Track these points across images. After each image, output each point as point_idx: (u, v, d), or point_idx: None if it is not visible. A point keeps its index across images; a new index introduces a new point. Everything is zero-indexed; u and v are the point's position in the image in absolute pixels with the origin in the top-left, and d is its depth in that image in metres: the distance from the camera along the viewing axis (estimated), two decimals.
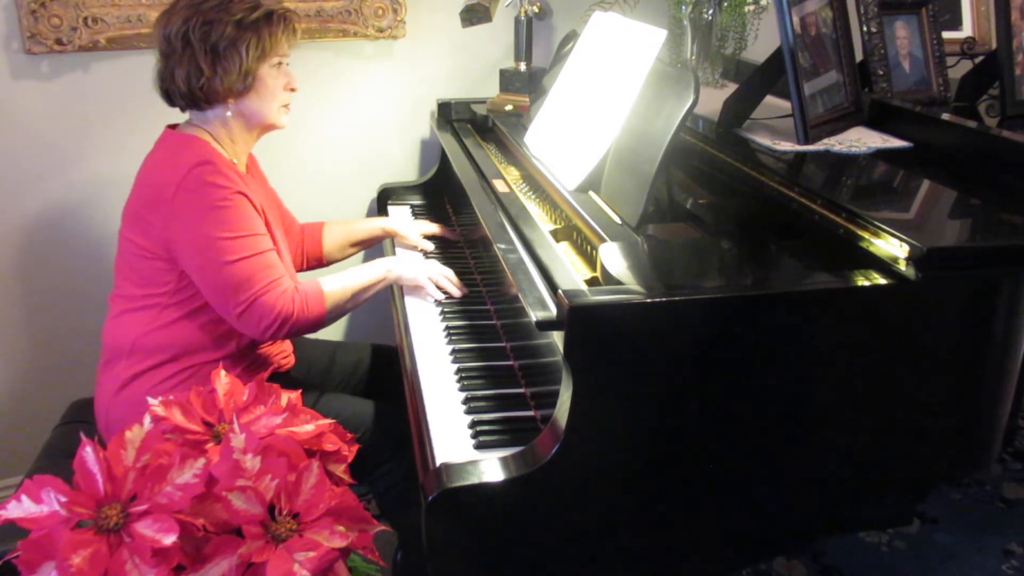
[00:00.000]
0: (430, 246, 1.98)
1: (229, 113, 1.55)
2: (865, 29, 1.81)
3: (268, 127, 1.62)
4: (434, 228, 2.04)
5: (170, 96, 1.55)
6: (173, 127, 1.60)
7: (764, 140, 1.61)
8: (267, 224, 1.59)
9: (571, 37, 1.91)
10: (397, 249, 2.00)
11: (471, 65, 2.38)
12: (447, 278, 1.73)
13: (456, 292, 1.72)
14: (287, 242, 1.77)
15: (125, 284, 1.59)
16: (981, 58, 2.04)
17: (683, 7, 2.05)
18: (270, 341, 1.63)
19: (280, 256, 1.60)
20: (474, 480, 1.10)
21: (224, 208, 1.47)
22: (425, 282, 1.71)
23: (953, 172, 1.51)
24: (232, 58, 1.48)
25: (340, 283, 1.61)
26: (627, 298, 1.09)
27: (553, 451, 1.09)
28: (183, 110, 1.58)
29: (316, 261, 1.97)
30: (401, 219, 2.08)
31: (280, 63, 1.57)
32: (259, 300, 1.48)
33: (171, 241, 1.49)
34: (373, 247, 2.10)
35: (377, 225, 2.02)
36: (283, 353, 1.75)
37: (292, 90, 1.62)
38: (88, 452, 0.93)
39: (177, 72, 1.50)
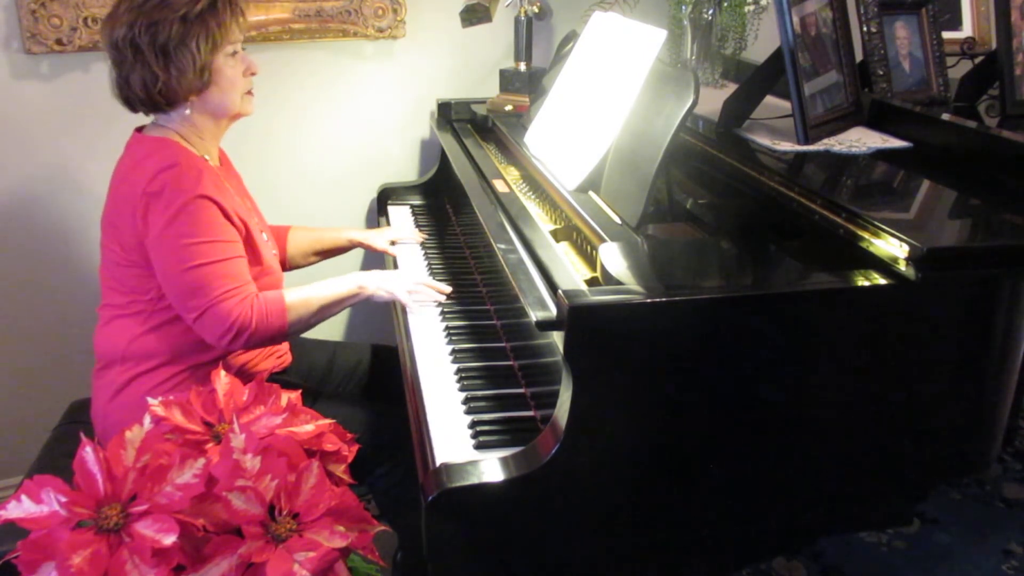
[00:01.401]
0: (399, 252, 1.95)
1: (193, 111, 1.51)
2: (865, 29, 1.81)
3: (235, 117, 1.58)
4: (402, 234, 2.00)
5: (131, 103, 1.50)
6: (140, 129, 1.57)
7: (764, 140, 1.61)
8: (245, 225, 1.55)
9: (571, 37, 1.91)
10: (400, 256, 1.97)
11: (471, 65, 2.38)
12: (425, 284, 1.67)
13: (439, 296, 1.66)
14: (272, 240, 1.75)
15: (111, 293, 1.57)
16: (981, 58, 2.04)
17: (683, 7, 2.05)
18: (227, 350, 1.57)
19: (262, 256, 1.58)
20: (474, 480, 1.10)
21: (187, 213, 1.43)
22: (402, 296, 1.64)
23: (953, 172, 1.51)
24: (184, 56, 1.44)
25: (304, 296, 1.55)
26: (627, 298, 1.09)
27: (553, 451, 1.09)
28: (147, 114, 1.54)
29: (278, 264, 1.92)
30: (367, 230, 2.03)
31: (235, 51, 1.51)
32: (215, 307, 1.44)
33: (144, 247, 1.47)
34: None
35: (344, 236, 1.98)
36: (278, 352, 1.75)
37: (252, 74, 1.57)
38: (88, 452, 0.93)
39: (132, 79, 1.45)
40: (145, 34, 1.41)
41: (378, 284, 1.63)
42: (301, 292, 1.55)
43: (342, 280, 1.61)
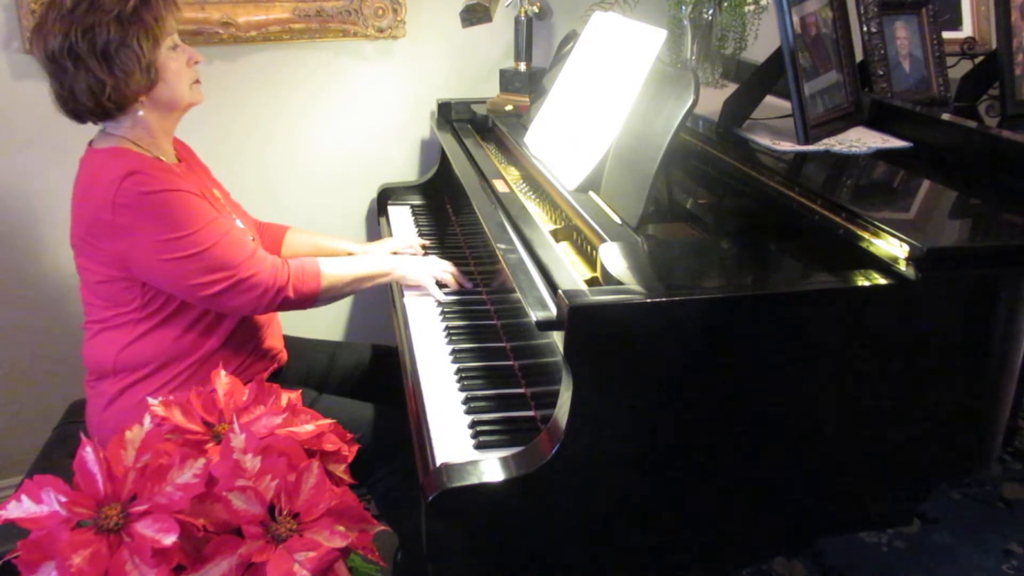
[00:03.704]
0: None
1: (142, 112, 1.48)
2: (865, 29, 1.81)
3: (186, 109, 1.56)
4: (403, 246, 2.00)
5: (78, 114, 1.46)
6: (91, 143, 1.54)
7: (764, 140, 1.61)
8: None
9: (571, 37, 1.91)
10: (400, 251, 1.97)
11: (471, 65, 2.38)
12: (447, 272, 1.75)
13: (454, 284, 1.74)
14: (253, 230, 1.74)
15: (93, 309, 1.57)
16: (981, 58, 2.04)
17: (683, 7, 2.05)
18: (265, 312, 1.58)
19: None
20: (474, 480, 1.10)
21: (170, 209, 1.42)
22: (428, 282, 1.73)
23: (953, 172, 1.51)
24: (128, 57, 1.39)
25: (339, 267, 1.63)
26: (627, 298, 1.09)
27: (553, 451, 1.09)
28: (96, 123, 1.51)
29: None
30: (367, 244, 2.03)
31: (175, 43, 1.48)
32: (244, 274, 1.47)
33: (125, 259, 1.45)
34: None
35: (343, 247, 1.96)
36: (274, 350, 1.74)
37: (196, 63, 1.54)
38: (88, 452, 0.93)
39: (76, 89, 1.41)
40: (83, 41, 1.37)
41: (407, 268, 1.73)
42: (335, 262, 1.64)
43: (375, 258, 1.72)
